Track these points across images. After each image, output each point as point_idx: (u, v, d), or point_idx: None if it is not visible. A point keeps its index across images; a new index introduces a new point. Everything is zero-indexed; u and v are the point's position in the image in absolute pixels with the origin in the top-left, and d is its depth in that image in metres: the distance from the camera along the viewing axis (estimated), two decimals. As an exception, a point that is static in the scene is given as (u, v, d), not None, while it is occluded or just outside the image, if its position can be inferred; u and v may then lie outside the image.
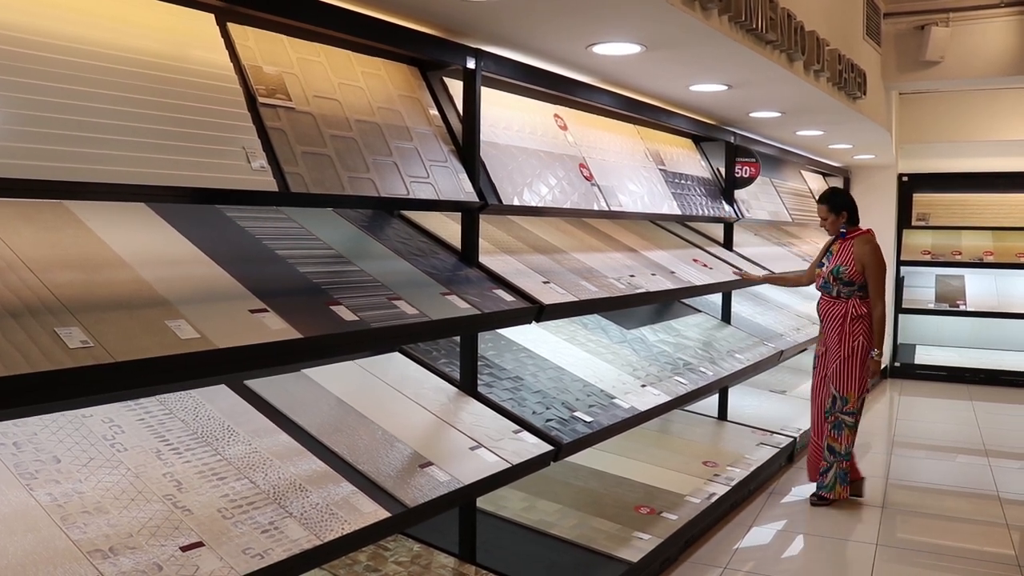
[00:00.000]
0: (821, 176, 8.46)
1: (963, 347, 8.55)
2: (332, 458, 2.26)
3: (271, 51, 2.36)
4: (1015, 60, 6.07)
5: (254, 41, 2.32)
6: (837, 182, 8.60)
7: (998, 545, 3.89)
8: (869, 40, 5.74)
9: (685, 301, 5.18)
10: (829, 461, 4.37)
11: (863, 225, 4.44)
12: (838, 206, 4.36)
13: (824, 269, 4.38)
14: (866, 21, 5.63)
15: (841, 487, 4.34)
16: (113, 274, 1.91)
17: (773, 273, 5.13)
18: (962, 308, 8.18)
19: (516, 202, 3.09)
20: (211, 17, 2.22)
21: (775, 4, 3.44)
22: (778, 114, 4.95)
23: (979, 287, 8.39)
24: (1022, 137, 7.76)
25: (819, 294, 4.50)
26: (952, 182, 8.45)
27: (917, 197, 8.52)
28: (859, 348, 4.25)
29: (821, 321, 4.46)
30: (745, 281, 4.78)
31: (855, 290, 4.27)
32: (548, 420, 2.94)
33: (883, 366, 4.46)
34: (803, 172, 7.86)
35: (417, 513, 2.19)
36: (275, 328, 1.98)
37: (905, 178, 8.48)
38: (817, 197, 4.48)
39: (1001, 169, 8.24)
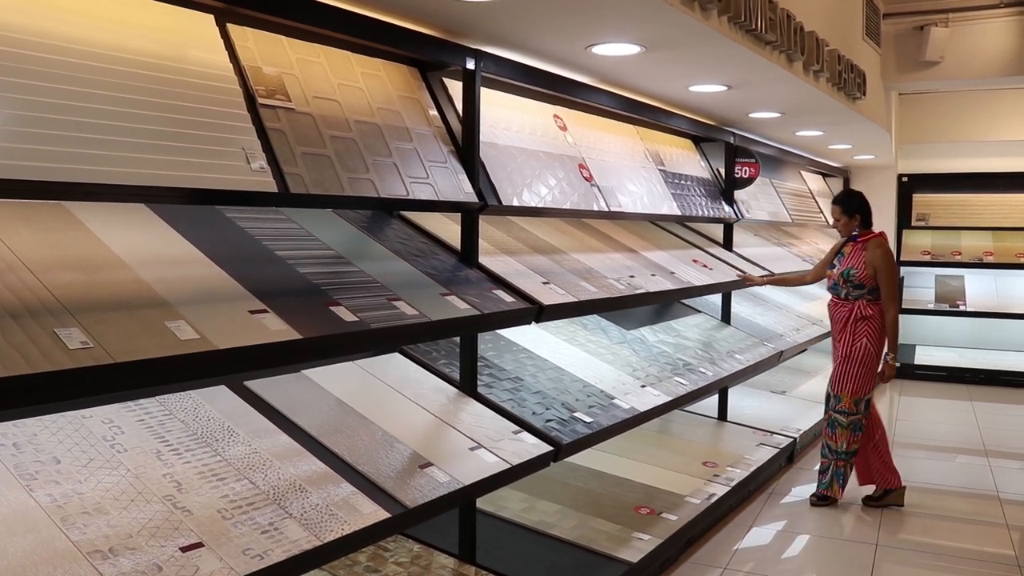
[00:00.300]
0: (821, 176, 8.46)
1: (963, 347, 8.55)
2: (332, 459, 2.26)
3: (271, 52, 2.36)
4: (1015, 60, 6.07)
5: (254, 42, 2.32)
6: (837, 183, 8.61)
7: (998, 545, 3.89)
8: (869, 40, 5.75)
9: (685, 302, 5.18)
10: (828, 459, 4.38)
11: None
12: (852, 209, 4.34)
13: (835, 271, 4.37)
14: (865, 21, 5.63)
15: (837, 486, 4.34)
16: (113, 275, 1.91)
17: (773, 274, 5.13)
18: (962, 308, 8.18)
19: (516, 203, 3.09)
20: (210, 18, 2.22)
21: (774, 4, 3.44)
22: (778, 115, 4.95)
23: (979, 287, 8.39)
24: (1022, 137, 7.76)
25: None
26: (952, 182, 8.45)
27: (917, 197, 8.53)
28: (860, 349, 4.24)
29: (830, 322, 4.47)
30: (745, 282, 4.78)
31: (864, 293, 4.25)
32: (548, 421, 2.94)
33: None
34: (803, 172, 7.86)
35: (417, 514, 2.19)
36: (275, 329, 1.99)
37: (905, 178, 8.48)
38: (832, 198, 4.46)
39: (1001, 169, 8.24)
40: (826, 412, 4.40)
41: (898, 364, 4.40)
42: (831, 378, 4.37)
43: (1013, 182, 8.19)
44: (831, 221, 4.52)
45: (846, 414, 4.29)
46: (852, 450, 4.32)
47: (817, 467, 4.54)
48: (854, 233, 4.35)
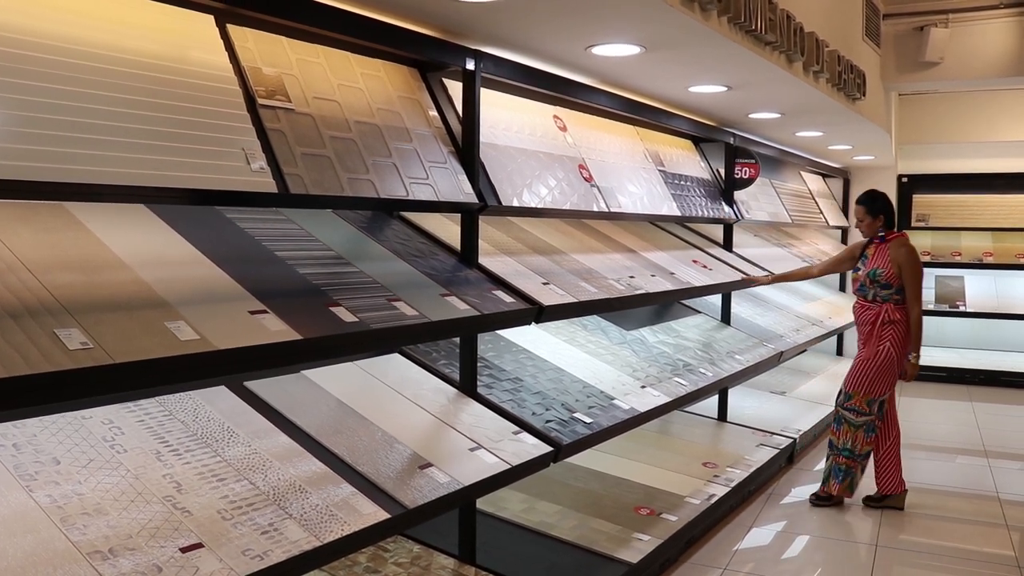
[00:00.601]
0: (821, 177, 8.46)
1: (963, 348, 8.56)
2: (332, 459, 2.26)
3: (271, 52, 2.36)
4: (1014, 61, 6.07)
5: (253, 42, 2.32)
6: (837, 183, 8.61)
7: (998, 546, 3.89)
8: (868, 41, 5.75)
9: (685, 302, 5.18)
10: (827, 454, 4.38)
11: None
12: (877, 209, 4.31)
13: (861, 273, 4.35)
14: (865, 22, 5.63)
15: (835, 482, 4.32)
16: (113, 275, 1.91)
17: (774, 274, 5.12)
18: (961, 309, 8.18)
19: (516, 203, 3.09)
20: (210, 19, 2.22)
21: (774, 5, 3.44)
22: (777, 115, 4.95)
23: (978, 288, 8.39)
24: (1021, 138, 7.76)
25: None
26: (952, 183, 8.46)
27: (917, 198, 8.53)
28: (882, 352, 4.21)
29: (855, 324, 4.45)
30: (746, 282, 4.78)
31: (892, 293, 4.22)
32: (548, 421, 2.94)
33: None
34: (803, 173, 7.86)
35: (417, 514, 2.19)
36: (275, 329, 1.98)
37: (905, 179, 8.49)
38: (857, 199, 4.44)
39: (1000, 170, 8.25)
40: (835, 408, 4.40)
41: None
42: (847, 374, 4.37)
43: (1012, 183, 8.19)
44: (854, 222, 4.50)
45: (856, 412, 4.28)
46: (863, 452, 4.28)
47: (817, 467, 4.53)
48: (880, 233, 4.34)
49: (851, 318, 6.81)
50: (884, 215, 4.32)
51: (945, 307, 8.21)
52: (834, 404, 4.45)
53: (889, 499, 4.34)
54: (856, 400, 4.28)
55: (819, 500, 4.36)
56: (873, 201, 4.35)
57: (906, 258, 4.21)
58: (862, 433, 4.28)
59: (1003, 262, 7.98)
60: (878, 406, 4.29)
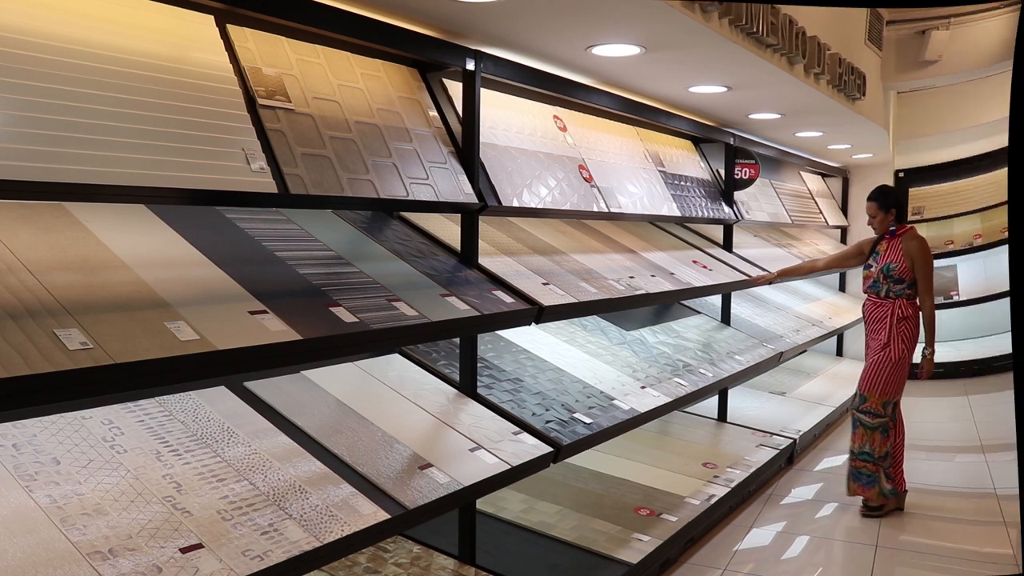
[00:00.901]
0: (820, 177, 8.47)
1: (956, 340, 8.52)
2: (332, 459, 2.26)
3: (271, 53, 2.36)
4: (1004, 47, 6.06)
5: (254, 43, 2.32)
6: (836, 182, 8.62)
7: (997, 545, 3.89)
8: (870, 45, 5.75)
9: (684, 303, 5.17)
10: (848, 458, 4.37)
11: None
12: (889, 204, 4.29)
13: (873, 269, 4.33)
14: (868, 28, 5.63)
15: (856, 485, 4.28)
16: (113, 276, 1.91)
17: (772, 272, 5.10)
18: (955, 299, 8.22)
19: (516, 203, 3.09)
20: (210, 19, 2.22)
21: (776, 10, 3.44)
22: (777, 116, 4.96)
23: (970, 274, 8.46)
24: (1004, 116, 7.76)
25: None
26: (943, 171, 8.57)
27: (912, 191, 8.58)
28: (895, 351, 4.20)
29: (865, 323, 4.43)
30: (747, 283, 4.77)
31: (905, 288, 4.21)
32: (548, 421, 2.94)
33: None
34: (802, 173, 7.87)
35: (417, 515, 2.19)
36: (275, 330, 1.98)
37: (901, 174, 8.51)
38: (868, 196, 4.43)
39: (987, 150, 8.30)
40: (850, 411, 4.38)
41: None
42: (861, 377, 4.34)
43: (997, 160, 8.21)
44: (866, 220, 4.48)
45: (872, 415, 4.24)
46: (881, 454, 4.23)
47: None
48: (892, 228, 4.32)
49: (851, 318, 6.86)
50: (896, 209, 4.31)
51: (940, 299, 8.23)
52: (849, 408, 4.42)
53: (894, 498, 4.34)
54: (872, 402, 4.24)
55: (869, 511, 4.26)
56: (885, 196, 4.33)
57: (918, 250, 4.20)
58: (878, 435, 4.24)
59: (991, 241, 8.07)
60: (892, 407, 4.27)
